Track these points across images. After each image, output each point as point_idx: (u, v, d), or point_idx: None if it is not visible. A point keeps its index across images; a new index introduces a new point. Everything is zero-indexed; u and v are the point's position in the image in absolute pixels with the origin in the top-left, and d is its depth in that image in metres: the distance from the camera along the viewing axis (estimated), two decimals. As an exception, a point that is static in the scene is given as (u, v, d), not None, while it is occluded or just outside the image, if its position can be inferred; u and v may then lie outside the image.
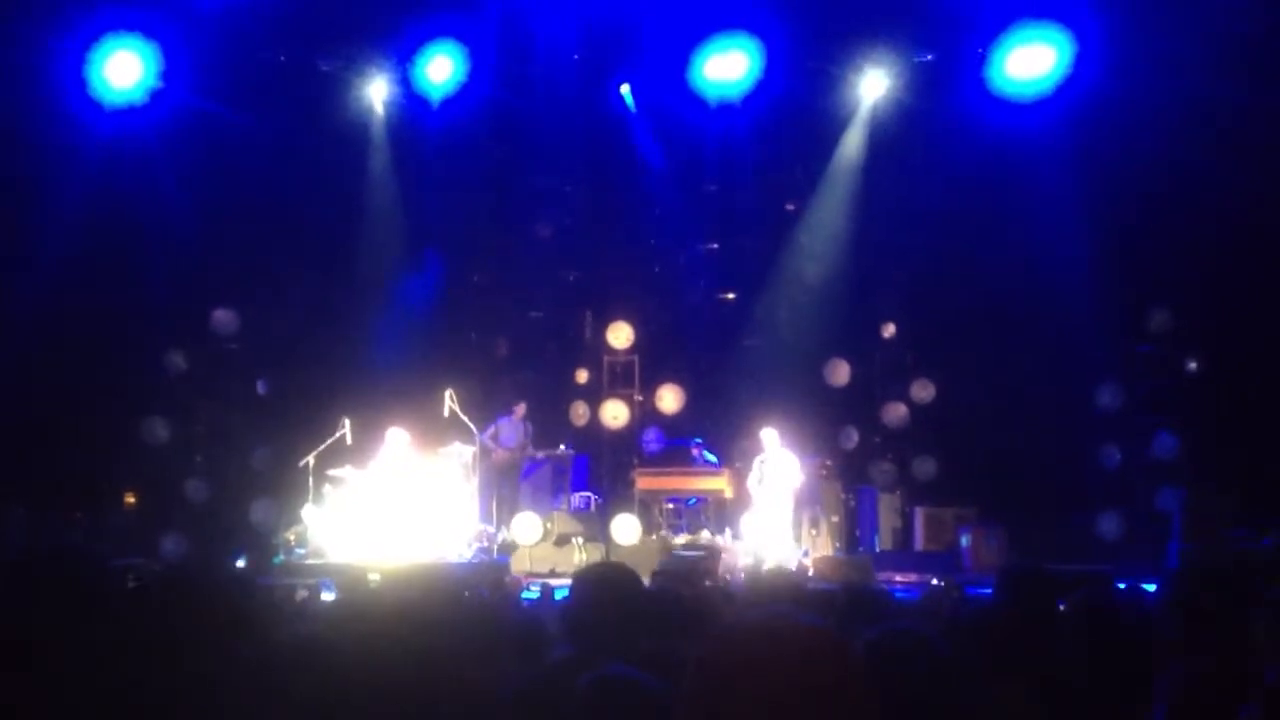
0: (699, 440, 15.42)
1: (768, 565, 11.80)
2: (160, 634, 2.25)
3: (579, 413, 16.73)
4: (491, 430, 14.61)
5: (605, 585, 3.74)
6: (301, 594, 8.74)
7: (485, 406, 14.96)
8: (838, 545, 14.72)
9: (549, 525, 14.35)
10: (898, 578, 13.26)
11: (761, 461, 13.82)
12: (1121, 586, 7.50)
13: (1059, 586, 4.28)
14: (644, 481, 15.05)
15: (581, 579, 3.90)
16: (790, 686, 1.76)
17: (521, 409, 15.03)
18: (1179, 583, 3.90)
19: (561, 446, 15.27)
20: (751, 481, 13.82)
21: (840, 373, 16.23)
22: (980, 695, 3.06)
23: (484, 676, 3.37)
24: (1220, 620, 3.58)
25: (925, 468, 15.79)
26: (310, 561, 12.71)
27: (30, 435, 13.52)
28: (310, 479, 13.34)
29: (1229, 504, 12.66)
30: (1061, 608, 3.94)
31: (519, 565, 13.66)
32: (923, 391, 16.04)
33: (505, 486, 14.78)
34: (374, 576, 7.40)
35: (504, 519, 14.43)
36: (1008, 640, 3.40)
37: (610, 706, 2.69)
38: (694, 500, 15.03)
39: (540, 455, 15.10)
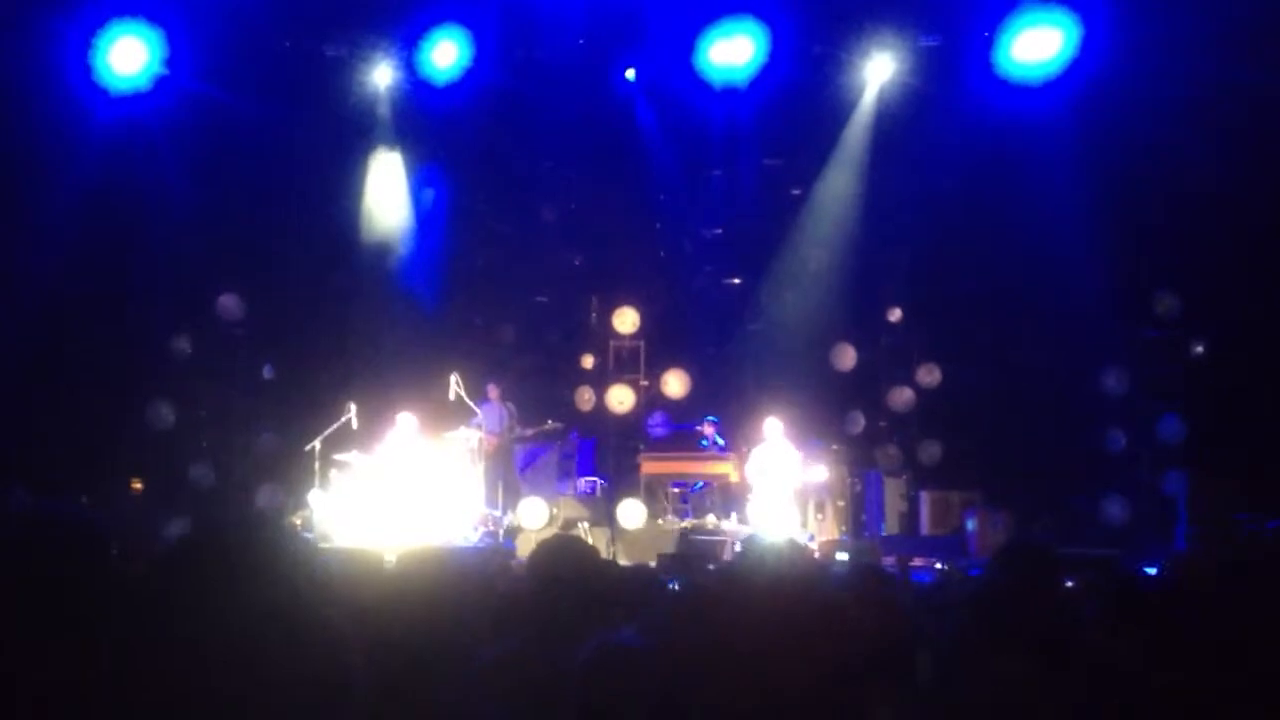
0: (714, 419, 15.33)
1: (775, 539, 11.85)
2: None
3: (584, 398, 16.73)
4: (477, 419, 14.51)
5: (562, 561, 3.73)
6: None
7: (483, 395, 14.93)
8: (843, 529, 14.72)
9: (555, 510, 14.36)
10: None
11: (762, 451, 13.88)
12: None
13: (1059, 564, 4.29)
14: (649, 466, 15.04)
15: (537, 555, 3.88)
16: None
17: (494, 391, 14.96)
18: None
19: (549, 421, 15.10)
20: (750, 470, 13.88)
21: (846, 357, 16.21)
22: (982, 667, 3.07)
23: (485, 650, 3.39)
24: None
25: (931, 452, 15.78)
26: (317, 546, 12.74)
27: (35, 420, 13.54)
28: (316, 463, 13.36)
29: (1235, 488, 12.65)
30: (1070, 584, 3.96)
31: (525, 550, 13.67)
32: (928, 376, 16.03)
33: (499, 471, 14.70)
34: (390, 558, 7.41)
35: (509, 504, 14.44)
36: (1007, 614, 3.41)
37: (611, 675, 2.70)
38: (700, 485, 15.03)
39: (529, 433, 15.00)
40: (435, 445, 13.73)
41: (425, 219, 16.28)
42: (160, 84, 14.27)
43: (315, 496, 13.25)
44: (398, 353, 15.43)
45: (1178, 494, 13.74)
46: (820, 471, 14.13)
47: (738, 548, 13.02)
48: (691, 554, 12.52)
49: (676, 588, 5.49)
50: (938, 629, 3.85)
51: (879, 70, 15.01)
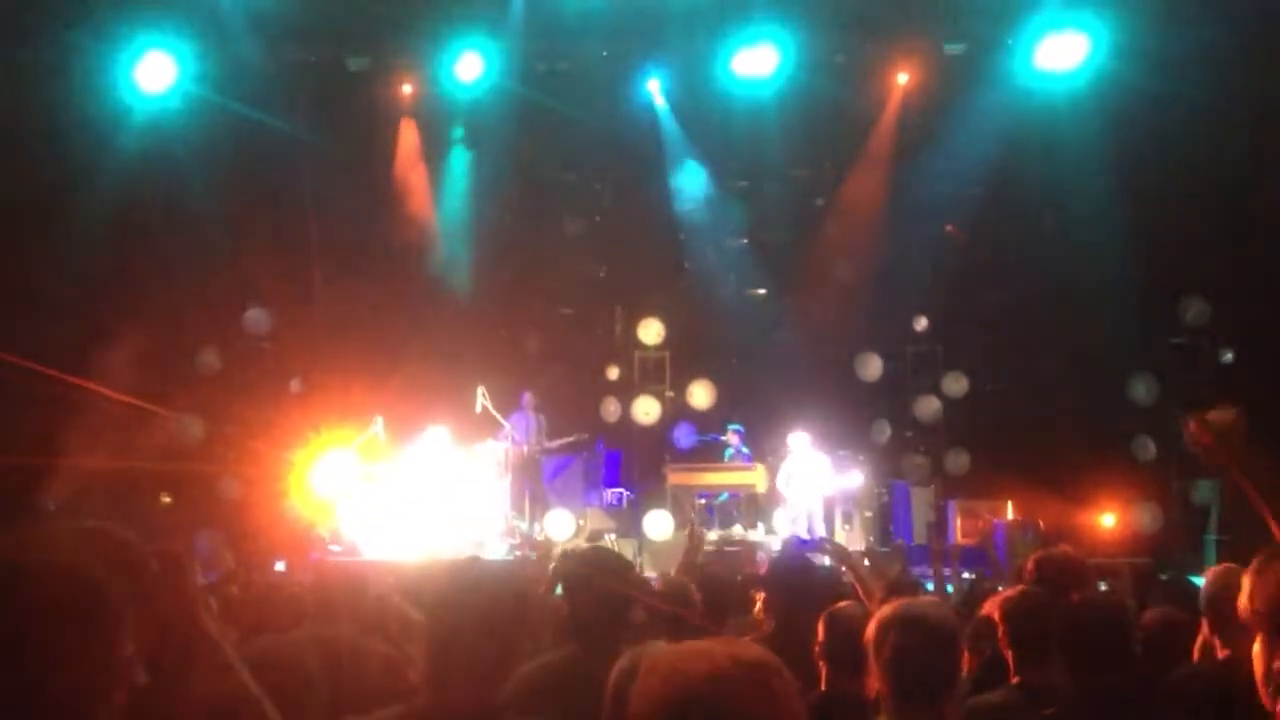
0: (737, 426, 15.30)
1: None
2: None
3: (610, 409, 16.70)
4: (505, 430, 14.52)
5: (595, 571, 3.72)
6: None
7: (516, 403, 14.95)
8: (871, 539, 14.65)
9: (582, 522, 14.36)
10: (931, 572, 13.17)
11: (789, 465, 13.85)
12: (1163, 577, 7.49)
13: (1091, 573, 4.28)
14: (675, 477, 14.99)
15: (569, 565, 3.87)
16: None
17: (528, 399, 14.96)
18: None
19: (575, 435, 15.12)
20: (780, 483, 13.88)
21: (872, 367, 16.16)
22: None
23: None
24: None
25: (959, 461, 15.71)
26: (345, 558, 12.76)
27: (65, 434, 13.60)
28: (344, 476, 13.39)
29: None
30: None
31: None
32: (955, 385, 15.96)
33: (526, 483, 14.71)
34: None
35: (537, 515, 14.44)
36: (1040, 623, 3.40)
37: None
38: (726, 495, 14.99)
39: (554, 445, 14.96)
40: (463, 457, 13.74)
41: (450, 231, 16.30)
42: (187, 100, 14.38)
43: (343, 509, 13.29)
44: (424, 365, 15.44)
45: (1209, 502, 13.64)
46: (855, 478, 14.11)
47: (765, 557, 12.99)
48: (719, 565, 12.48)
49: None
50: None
51: (903, 78, 14.97)
